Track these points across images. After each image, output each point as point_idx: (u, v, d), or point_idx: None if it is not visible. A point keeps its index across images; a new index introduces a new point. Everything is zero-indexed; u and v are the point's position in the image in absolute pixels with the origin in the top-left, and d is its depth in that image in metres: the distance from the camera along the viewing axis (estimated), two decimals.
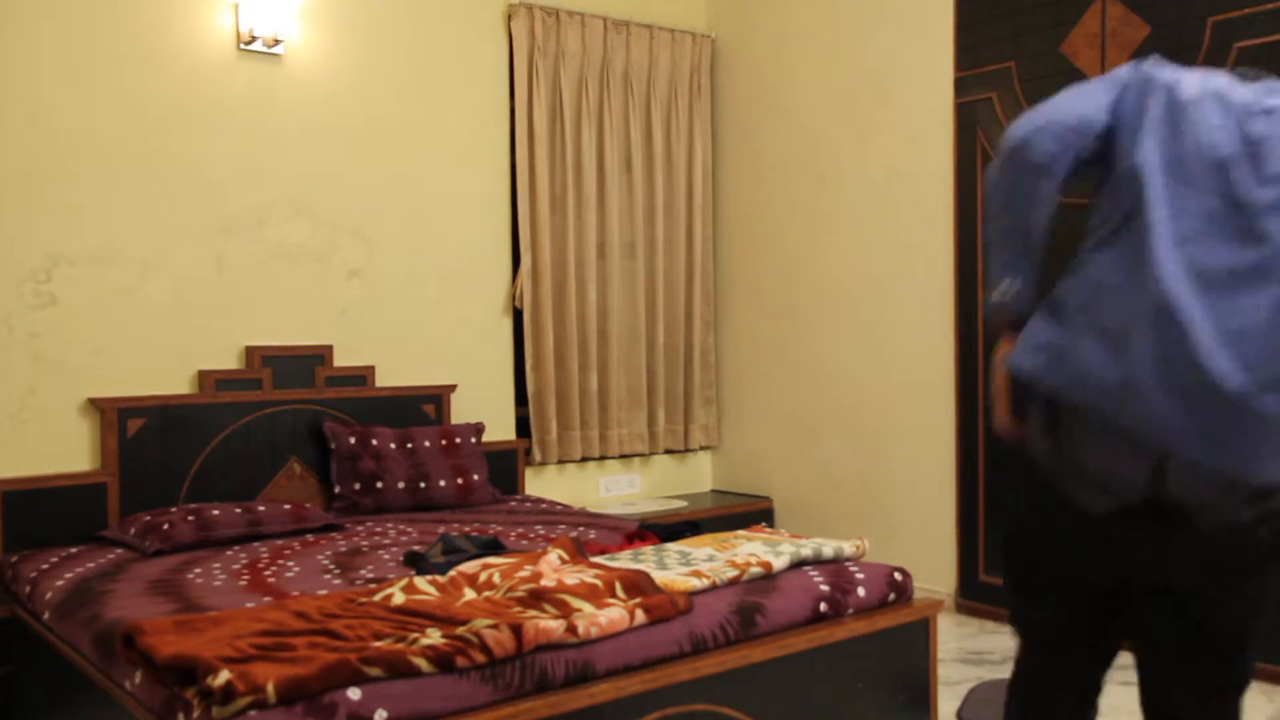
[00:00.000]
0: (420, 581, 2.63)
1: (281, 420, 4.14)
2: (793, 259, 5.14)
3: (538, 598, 2.45)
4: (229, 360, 4.11)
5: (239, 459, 4.03)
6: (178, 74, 4.00)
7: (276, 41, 4.17)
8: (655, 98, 5.23)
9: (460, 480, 4.27)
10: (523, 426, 4.92)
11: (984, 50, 4.31)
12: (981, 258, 4.34)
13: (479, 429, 4.50)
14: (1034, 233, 1.80)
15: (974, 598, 4.40)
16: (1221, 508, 1.63)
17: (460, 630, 2.21)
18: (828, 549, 2.99)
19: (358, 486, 4.11)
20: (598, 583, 2.53)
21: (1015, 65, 4.19)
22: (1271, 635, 3.47)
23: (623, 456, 5.22)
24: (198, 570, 3.12)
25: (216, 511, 3.59)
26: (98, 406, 3.79)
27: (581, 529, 3.68)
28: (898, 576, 2.97)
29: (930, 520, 4.57)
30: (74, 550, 3.49)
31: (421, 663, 2.10)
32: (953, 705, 3.21)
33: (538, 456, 4.90)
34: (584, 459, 5.07)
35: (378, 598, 2.52)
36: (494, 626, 2.22)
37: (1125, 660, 4.07)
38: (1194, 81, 1.72)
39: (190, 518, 3.51)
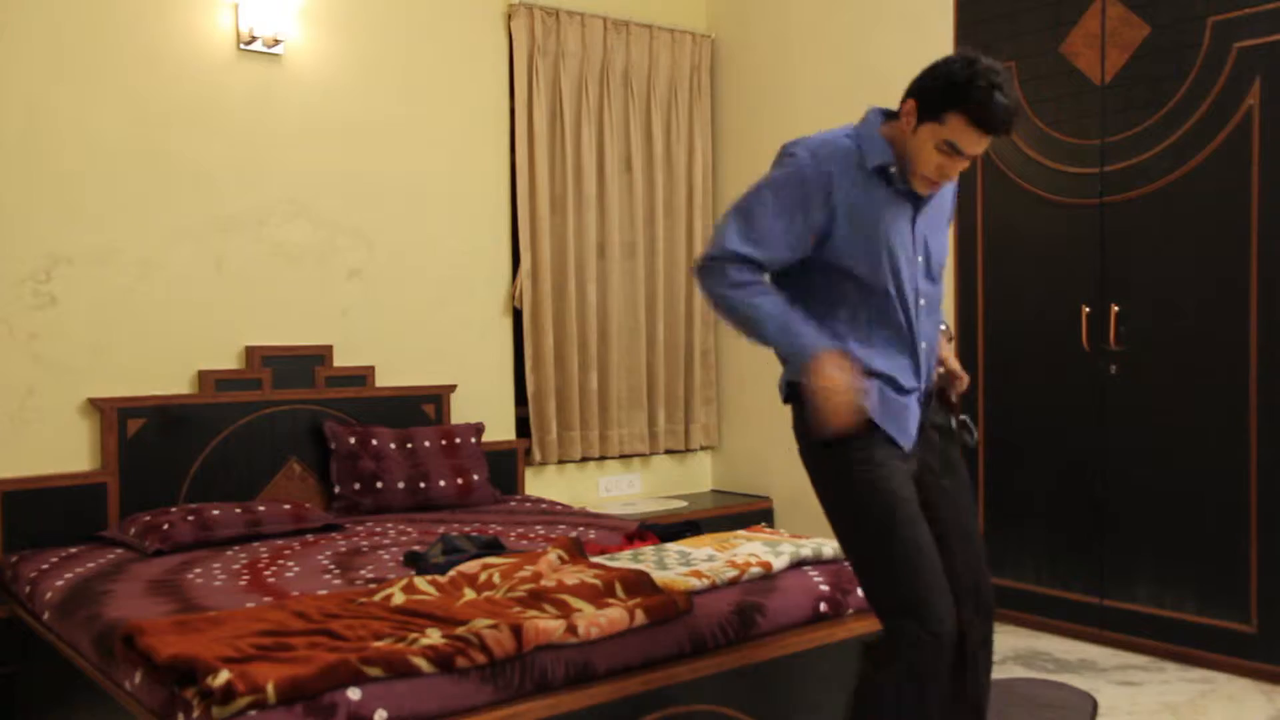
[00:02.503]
0: (420, 581, 2.63)
1: (281, 420, 4.14)
2: None
3: (538, 598, 2.46)
4: (229, 360, 4.11)
5: (239, 459, 4.03)
6: (177, 74, 4.00)
7: (276, 41, 4.17)
8: (655, 98, 5.23)
9: (460, 480, 4.27)
10: (523, 426, 4.92)
11: (984, 50, 4.29)
12: (981, 256, 4.34)
13: (479, 429, 4.50)
14: None
15: None
16: None
17: (460, 630, 2.21)
18: (828, 549, 2.99)
19: (358, 486, 4.11)
20: (597, 583, 2.53)
21: (1015, 65, 4.19)
22: (1271, 634, 3.48)
23: (623, 456, 5.22)
24: (198, 570, 3.12)
25: (216, 511, 3.59)
26: (98, 406, 3.79)
27: (581, 529, 3.68)
28: None
29: None
30: (74, 550, 3.49)
31: (421, 663, 2.10)
32: None
33: (538, 456, 4.90)
34: (584, 459, 5.07)
35: (378, 598, 2.52)
36: (494, 627, 2.22)
37: (1125, 660, 4.05)
38: None
39: (190, 518, 3.51)
